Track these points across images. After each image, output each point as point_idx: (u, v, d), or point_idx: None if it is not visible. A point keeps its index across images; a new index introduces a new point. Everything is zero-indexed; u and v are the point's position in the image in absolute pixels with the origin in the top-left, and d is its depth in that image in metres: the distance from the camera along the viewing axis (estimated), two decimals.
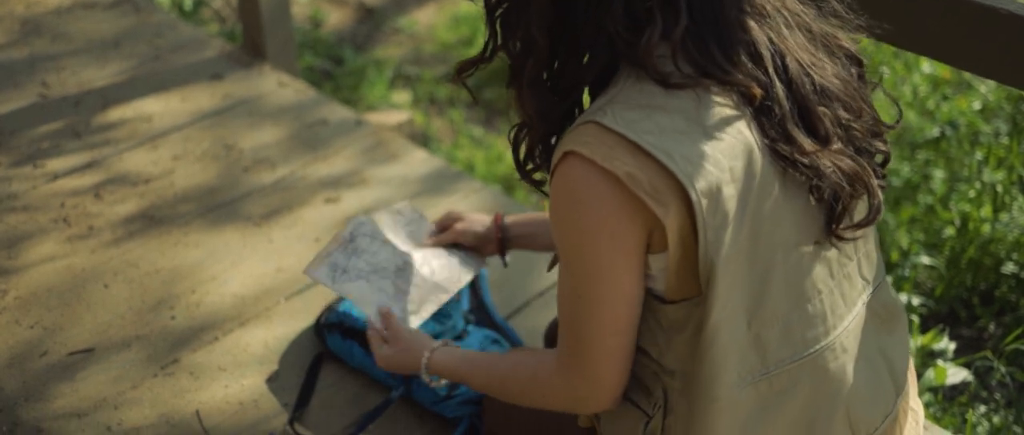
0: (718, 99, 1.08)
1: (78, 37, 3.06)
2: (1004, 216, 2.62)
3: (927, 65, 3.37)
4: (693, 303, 1.11)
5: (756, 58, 1.09)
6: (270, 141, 2.64)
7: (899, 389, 1.28)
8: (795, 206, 1.12)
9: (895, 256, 2.63)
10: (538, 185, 1.25)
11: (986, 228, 2.60)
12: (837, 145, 1.12)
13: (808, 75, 1.11)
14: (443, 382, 1.51)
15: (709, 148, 1.05)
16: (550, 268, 1.32)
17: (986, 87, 3.16)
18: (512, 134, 1.23)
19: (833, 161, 1.11)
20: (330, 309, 1.94)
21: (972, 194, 2.68)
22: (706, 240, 1.05)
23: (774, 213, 1.10)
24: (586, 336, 1.16)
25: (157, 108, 2.77)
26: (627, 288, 1.12)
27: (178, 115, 2.74)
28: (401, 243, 1.76)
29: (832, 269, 1.17)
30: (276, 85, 2.90)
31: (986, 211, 2.63)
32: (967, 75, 3.32)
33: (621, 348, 1.17)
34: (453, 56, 4.10)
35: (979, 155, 2.82)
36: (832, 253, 1.17)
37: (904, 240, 2.67)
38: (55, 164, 2.53)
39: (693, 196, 1.03)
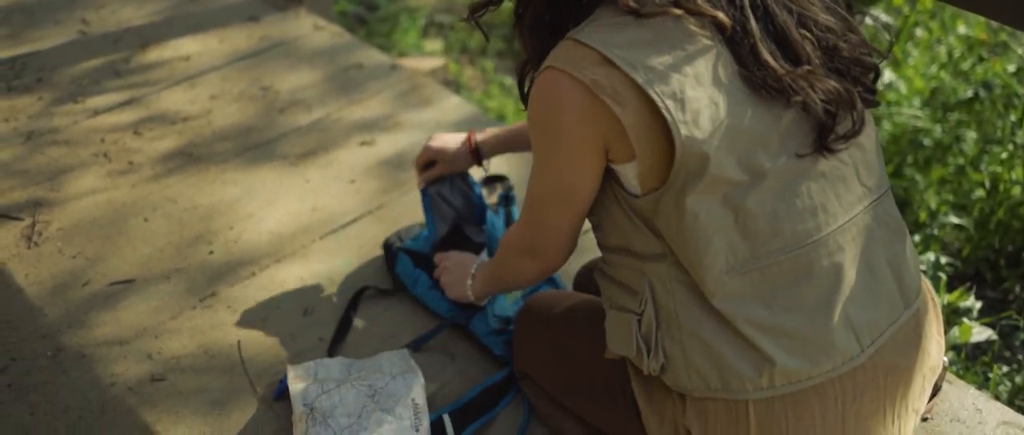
0: (689, 25, 1.18)
1: None
2: None
3: (963, 26, 3.35)
4: (660, 192, 1.20)
5: None
6: (306, 83, 2.66)
7: (908, 301, 1.32)
8: (775, 118, 1.19)
9: (924, 216, 2.64)
10: None
11: (1016, 190, 2.60)
12: (817, 66, 1.21)
13: (786, 6, 1.22)
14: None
15: (672, 57, 1.16)
16: None
17: (1023, 49, 3.14)
18: (518, 69, 1.40)
19: (811, 81, 1.19)
20: (399, 236, 2.04)
21: (1004, 156, 2.68)
22: (679, 134, 1.14)
23: (752, 120, 1.18)
24: (538, 209, 1.39)
25: (195, 48, 2.81)
26: (576, 183, 1.29)
27: (215, 56, 2.77)
28: (349, 379, 1.69)
29: (824, 170, 1.24)
30: (311, 28, 2.93)
31: (1017, 173, 2.62)
32: (1003, 37, 3.29)
33: (566, 225, 1.38)
34: None
35: (1013, 117, 2.81)
36: (823, 158, 1.24)
37: (933, 200, 2.68)
38: (95, 100, 2.57)
39: (655, 97, 1.14)
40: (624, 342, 1.32)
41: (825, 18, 1.24)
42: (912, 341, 1.31)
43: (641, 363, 1.29)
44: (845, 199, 1.25)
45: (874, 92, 1.30)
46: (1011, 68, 3.03)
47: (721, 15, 1.17)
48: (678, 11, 1.17)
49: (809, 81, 1.19)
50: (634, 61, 1.15)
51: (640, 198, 1.23)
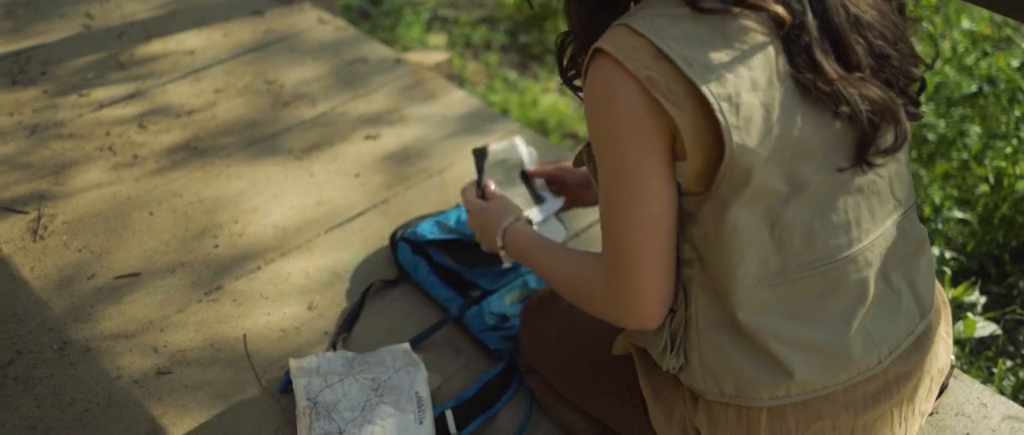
0: (746, 21, 1.12)
1: None
2: None
3: (967, 21, 3.34)
4: (702, 197, 1.16)
5: None
6: (310, 77, 2.67)
7: (924, 311, 1.31)
8: (822, 128, 1.15)
9: (928, 211, 2.63)
10: (577, 90, 1.31)
11: (1021, 185, 2.60)
12: (867, 74, 1.16)
13: (843, 6, 1.16)
14: (507, 264, 1.61)
15: (728, 56, 1.10)
16: (575, 164, 1.43)
17: None
18: (558, 41, 1.31)
19: (860, 89, 1.14)
20: (404, 226, 2.04)
21: (1008, 151, 2.68)
22: (731, 140, 1.09)
23: (801, 130, 1.13)
24: (623, 239, 1.19)
25: (199, 42, 2.81)
26: (656, 187, 1.16)
27: (219, 49, 2.78)
28: (350, 374, 1.69)
29: (861, 184, 1.20)
30: (316, 22, 2.92)
31: (1021, 168, 2.62)
32: (1007, 31, 3.29)
33: (657, 254, 1.19)
34: (489, 0, 4.10)
35: (1017, 112, 2.81)
36: (862, 172, 1.20)
37: (937, 195, 2.68)
38: (100, 94, 2.57)
39: (710, 99, 1.08)
40: (654, 334, 1.28)
41: (879, 24, 1.19)
42: (923, 347, 1.31)
43: (662, 359, 1.28)
44: (878, 214, 1.23)
45: (918, 104, 1.25)
46: (1015, 63, 3.02)
47: (781, 9, 1.11)
48: (738, 9, 1.12)
49: (859, 89, 1.14)
50: (689, 57, 1.09)
51: (683, 196, 1.18)
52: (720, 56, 1.10)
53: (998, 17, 3.32)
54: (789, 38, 1.13)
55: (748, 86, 1.10)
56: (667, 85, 1.09)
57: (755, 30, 1.12)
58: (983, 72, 3.02)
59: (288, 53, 2.77)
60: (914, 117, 1.22)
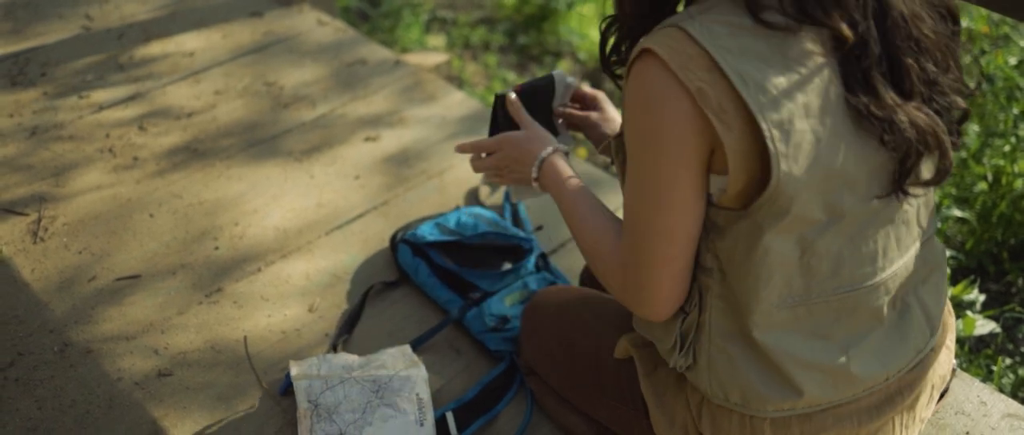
0: (808, 42, 1.08)
1: None
2: None
3: (965, 19, 3.35)
4: (737, 215, 1.14)
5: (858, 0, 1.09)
6: (310, 79, 2.67)
7: (933, 329, 1.31)
8: (867, 157, 1.12)
9: None
10: (617, 78, 1.29)
11: (1019, 183, 2.60)
12: (917, 100, 1.12)
13: (905, 25, 1.11)
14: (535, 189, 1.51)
15: (786, 79, 1.06)
16: (601, 152, 1.40)
17: None
18: (603, 25, 1.28)
19: (910, 116, 1.10)
20: (405, 228, 2.05)
21: (1006, 149, 2.68)
22: (778, 168, 1.06)
23: (846, 158, 1.10)
24: (643, 239, 1.17)
25: (198, 43, 2.81)
26: (687, 198, 1.13)
27: (219, 51, 2.78)
28: (350, 375, 1.68)
29: (892, 215, 1.18)
30: (315, 24, 2.93)
31: (1020, 166, 2.63)
32: (1005, 29, 3.29)
33: (674, 259, 1.17)
34: (488, 1, 4.10)
35: (1015, 110, 2.81)
36: (895, 200, 1.18)
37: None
38: (100, 96, 2.57)
39: (763, 125, 1.04)
40: (663, 331, 1.28)
41: (934, 48, 1.14)
42: (928, 360, 1.31)
43: (670, 356, 1.27)
44: (904, 243, 1.22)
45: (960, 135, 1.21)
46: (1013, 61, 3.03)
47: (845, 28, 1.07)
48: (802, 25, 1.07)
49: (909, 116, 1.10)
50: (745, 75, 1.05)
51: (713, 207, 1.16)
52: (778, 79, 1.05)
53: (995, 15, 3.33)
54: (848, 59, 1.09)
55: (802, 112, 1.06)
56: (718, 101, 1.05)
57: (815, 52, 1.08)
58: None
59: (287, 55, 2.78)
60: (954, 148, 1.18)
